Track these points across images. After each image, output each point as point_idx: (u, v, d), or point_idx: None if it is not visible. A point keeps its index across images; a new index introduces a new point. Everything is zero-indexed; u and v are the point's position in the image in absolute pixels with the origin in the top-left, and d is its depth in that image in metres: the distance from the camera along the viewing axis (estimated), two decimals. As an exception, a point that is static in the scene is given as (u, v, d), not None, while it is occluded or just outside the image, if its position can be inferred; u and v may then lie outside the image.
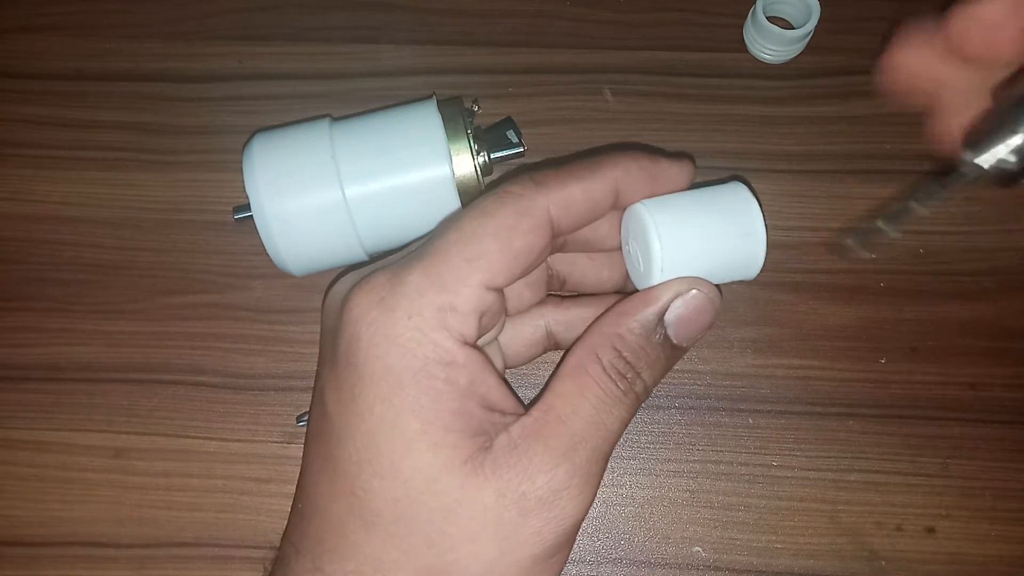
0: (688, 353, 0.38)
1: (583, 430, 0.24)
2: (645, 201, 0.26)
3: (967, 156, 0.21)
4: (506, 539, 0.23)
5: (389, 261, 0.27)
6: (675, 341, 0.26)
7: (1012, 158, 0.20)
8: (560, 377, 0.25)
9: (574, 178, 0.26)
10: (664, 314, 0.25)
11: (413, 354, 0.23)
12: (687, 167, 0.28)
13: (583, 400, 0.24)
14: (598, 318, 0.26)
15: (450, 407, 0.23)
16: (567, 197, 0.25)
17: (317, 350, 0.38)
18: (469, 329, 0.24)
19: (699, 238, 0.26)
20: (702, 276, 0.26)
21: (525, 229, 0.25)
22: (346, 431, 0.24)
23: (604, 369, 0.25)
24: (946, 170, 0.21)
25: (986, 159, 0.20)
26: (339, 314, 0.25)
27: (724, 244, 0.26)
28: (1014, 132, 0.20)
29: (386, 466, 0.23)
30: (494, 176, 0.38)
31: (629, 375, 0.25)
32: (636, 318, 0.25)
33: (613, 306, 0.26)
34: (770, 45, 0.41)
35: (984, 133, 0.20)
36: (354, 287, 0.25)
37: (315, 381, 0.27)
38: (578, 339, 0.26)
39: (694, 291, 0.25)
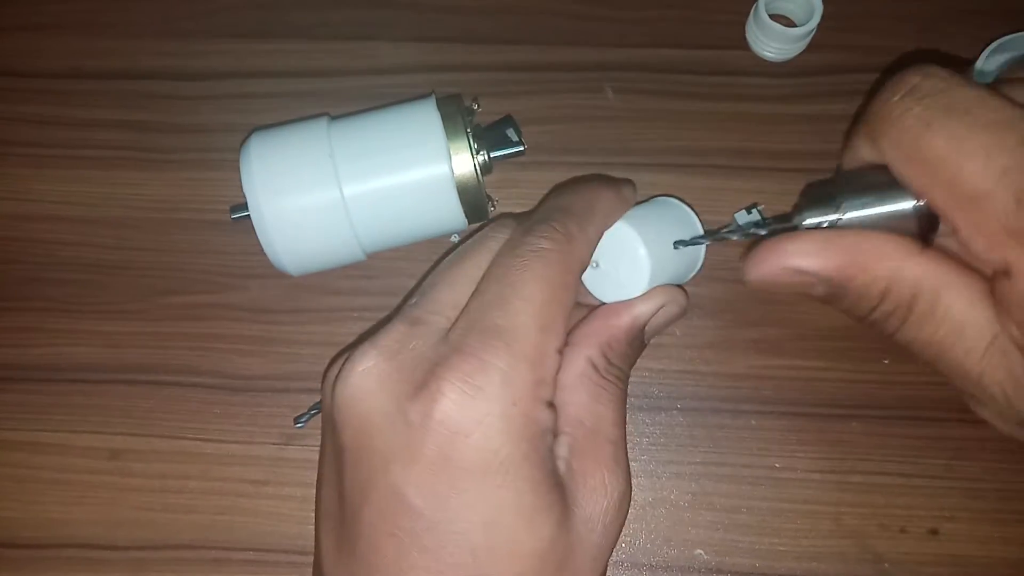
0: (690, 354, 0.38)
1: (614, 433, 0.27)
2: (626, 220, 0.29)
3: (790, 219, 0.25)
4: (598, 556, 0.26)
5: (412, 337, 0.25)
6: (646, 341, 0.29)
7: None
8: (569, 389, 0.27)
9: (588, 223, 0.27)
10: (647, 324, 0.29)
11: (521, 436, 0.24)
12: (633, 188, 0.31)
13: (601, 407, 0.27)
14: (584, 323, 0.28)
15: (550, 467, 0.25)
16: (589, 244, 0.27)
17: (315, 351, 0.38)
18: (552, 391, 0.25)
19: (669, 250, 0.29)
20: (670, 281, 0.30)
21: (573, 286, 0.26)
22: (452, 524, 0.23)
23: (604, 376, 0.27)
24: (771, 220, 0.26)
25: (808, 223, 0.24)
26: (422, 412, 0.23)
27: (683, 253, 0.30)
28: (830, 214, 0.24)
29: (509, 546, 0.24)
30: (494, 175, 0.38)
31: (622, 376, 0.28)
32: (624, 329, 0.28)
33: (596, 312, 0.29)
34: (772, 43, 0.41)
35: (809, 206, 0.24)
36: (436, 379, 0.24)
37: (363, 475, 0.24)
38: (566, 345, 0.28)
39: (671, 302, 0.29)
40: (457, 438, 0.23)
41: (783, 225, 0.25)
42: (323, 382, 0.28)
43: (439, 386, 0.23)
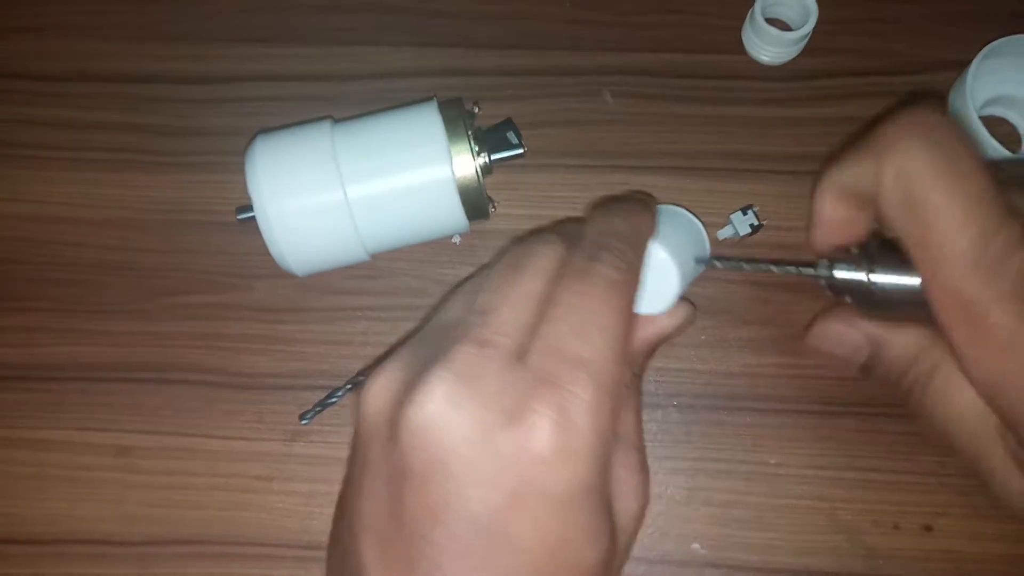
0: (687, 352, 0.38)
1: (637, 440, 0.28)
2: (656, 239, 0.29)
3: (823, 267, 0.27)
4: (626, 558, 0.27)
5: (484, 360, 0.25)
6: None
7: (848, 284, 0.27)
8: None
9: (641, 250, 0.28)
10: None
11: (603, 465, 0.24)
12: (656, 204, 0.32)
13: (625, 415, 0.28)
14: None
15: (608, 485, 0.26)
16: (641, 271, 0.28)
17: (319, 349, 0.39)
18: (618, 419, 0.26)
19: (690, 265, 0.30)
20: (684, 291, 0.31)
21: (633, 313, 0.27)
22: (527, 544, 0.24)
23: (627, 386, 0.28)
24: (803, 263, 0.29)
25: (839, 276, 0.27)
26: (515, 444, 0.23)
27: (696, 266, 0.32)
28: (860, 271, 0.26)
29: (574, 562, 0.24)
30: (494, 176, 0.39)
31: (639, 384, 0.30)
32: (648, 343, 0.30)
33: None
34: (768, 46, 0.41)
35: (844, 259, 0.27)
36: (531, 412, 0.23)
37: (434, 499, 0.24)
38: None
39: (687, 320, 0.30)
40: (549, 471, 0.23)
41: (813, 272, 0.28)
42: (366, 395, 0.26)
43: (534, 420, 0.23)
